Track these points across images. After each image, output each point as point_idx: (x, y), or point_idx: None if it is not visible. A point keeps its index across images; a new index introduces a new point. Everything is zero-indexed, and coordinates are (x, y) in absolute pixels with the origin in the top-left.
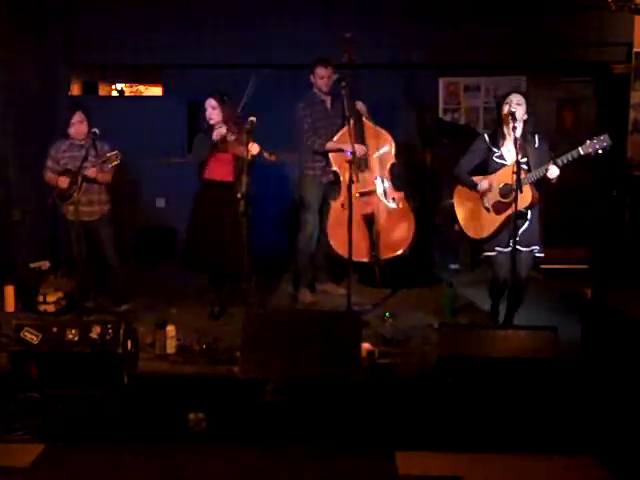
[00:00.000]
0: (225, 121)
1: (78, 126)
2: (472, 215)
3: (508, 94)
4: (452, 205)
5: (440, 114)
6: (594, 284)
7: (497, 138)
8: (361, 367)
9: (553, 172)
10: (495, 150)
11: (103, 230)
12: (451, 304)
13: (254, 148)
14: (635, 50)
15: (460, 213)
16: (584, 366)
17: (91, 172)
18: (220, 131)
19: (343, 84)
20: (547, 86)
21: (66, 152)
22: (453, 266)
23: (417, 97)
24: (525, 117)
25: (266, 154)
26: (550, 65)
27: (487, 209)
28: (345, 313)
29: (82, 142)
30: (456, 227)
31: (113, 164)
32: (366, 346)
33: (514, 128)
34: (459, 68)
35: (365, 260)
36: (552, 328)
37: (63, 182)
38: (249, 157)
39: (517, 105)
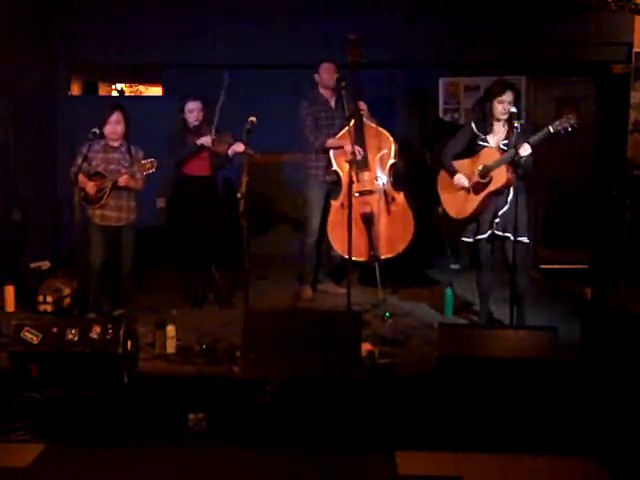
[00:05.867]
0: (208, 122)
1: (114, 126)
2: (454, 197)
3: (500, 92)
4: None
5: (440, 114)
6: (594, 284)
7: (484, 126)
8: (361, 367)
9: (524, 150)
10: (480, 135)
11: (126, 238)
12: (451, 304)
13: (238, 146)
14: (635, 50)
15: (443, 195)
16: (584, 366)
17: (123, 180)
18: (206, 141)
19: (343, 84)
20: (547, 86)
21: (99, 153)
22: (453, 266)
23: (417, 97)
24: (511, 108)
25: (251, 152)
26: (550, 65)
27: (467, 190)
28: (345, 313)
29: (117, 144)
30: (439, 210)
31: (147, 172)
32: (366, 346)
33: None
34: (459, 68)
35: (364, 259)
36: (552, 328)
37: (91, 188)
38: (231, 154)
39: (508, 104)
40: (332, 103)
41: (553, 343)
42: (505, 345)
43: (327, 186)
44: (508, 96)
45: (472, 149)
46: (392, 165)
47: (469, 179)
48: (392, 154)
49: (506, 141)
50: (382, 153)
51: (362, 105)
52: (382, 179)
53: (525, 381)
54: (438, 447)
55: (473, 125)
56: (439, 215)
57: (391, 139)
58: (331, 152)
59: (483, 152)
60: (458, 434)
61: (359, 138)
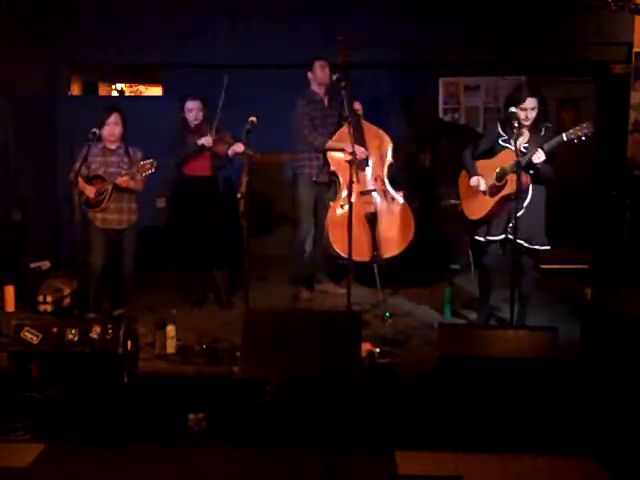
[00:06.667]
0: (207, 122)
1: (112, 127)
2: (471, 197)
3: (521, 99)
4: (452, 205)
5: (440, 114)
6: (594, 284)
7: (509, 128)
8: (361, 367)
9: (538, 156)
10: (503, 135)
11: (127, 240)
12: (451, 304)
13: (238, 147)
14: (635, 50)
15: (462, 194)
16: (584, 366)
17: (123, 181)
18: (206, 141)
19: (343, 84)
20: (547, 86)
21: (98, 156)
22: (453, 266)
23: (417, 97)
24: (535, 115)
25: (250, 152)
26: (550, 65)
27: (483, 192)
28: (345, 313)
29: (115, 146)
30: (452, 202)
31: (147, 173)
32: (366, 346)
33: (519, 127)
34: (459, 68)
35: (366, 260)
36: (552, 328)
37: (90, 192)
38: (231, 155)
39: (531, 110)
40: (326, 102)
41: (553, 343)
42: (505, 345)
43: (318, 186)
44: (530, 103)
45: (494, 150)
46: (390, 165)
47: (486, 181)
48: (390, 154)
49: (527, 144)
50: (381, 153)
51: (357, 105)
52: (381, 179)
53: (525, 381)
54: (438, 447)
55: (499, 125)
56: (456, 209)
57: (388, 139)
58: (329, 153)
59: (502, 154)
60: (458, 434)
61: (359, 138)
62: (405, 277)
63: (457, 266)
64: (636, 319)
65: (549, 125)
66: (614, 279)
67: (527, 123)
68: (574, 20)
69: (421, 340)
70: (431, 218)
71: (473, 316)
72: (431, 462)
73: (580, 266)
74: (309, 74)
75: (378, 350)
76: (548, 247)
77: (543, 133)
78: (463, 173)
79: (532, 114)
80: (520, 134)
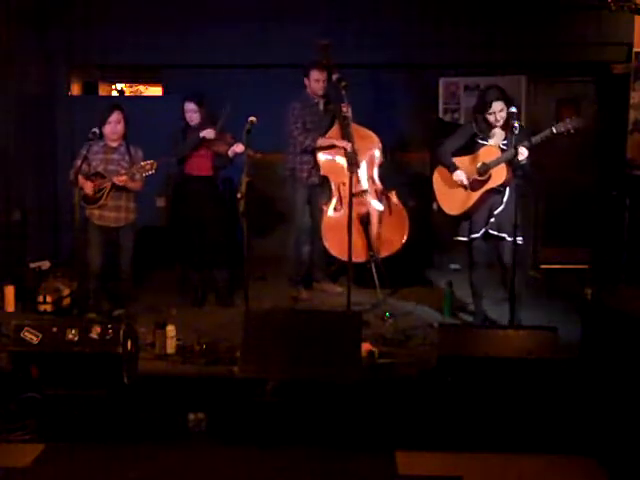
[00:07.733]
0: (206, 121)
1: (114, 125)
2: (450, 192)
3: (487, 106)
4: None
5: (440, 114)
6: (594, 284)
7: (483, 126)
8: (361, 367)
9: (522, 152)
10: (479, 134)
11: (125, 238)
12: (450, 304)
13: (238, 147)
14: (635, 50)
15: (438, 190)
16: (584, 366)
17: (121, 180)
18: (208, 133)
19: (343, 84)
20: (547, 86)
21: (98, 154)
22: (453, 266)
23: (417, 97)
24: (505, 115)
25: (250, 152)
26: (550, 65)
27: (464, 187)
28: (345, 313)
29: (116, 144)
30: (435, 206)
31: (147, 174)
32: (366, 346)
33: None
34: (459, 68)
35: (362, 260)
36: (552, 328)
37: (89, 187)
38: (231, 155)
39: (499, 112)
40: (321, 106)
41: (553, 343)
42: (505, 345)
43: (309, 188)
44: (497, 106)
45: (471, 147)
46: (380, 164)
47: (468, 176)
48: (380, 154)
49: (506, 141)
50: (371, 153)
51: (345, 107)
52: (372, 179)
53: (525, 381)
54: (438, 447)
55: (474, 125)
56: (435, 210)
57: (377, 139)
58: (319, 155)
59: (483, 150)
60: (458, 434)
61: (347, 138)
62: (405, 277)
63: (457, 266)
64: (636, 319)
65: (518, 125)
66: (614, 279)
67: (499, 124)
68: (574, 20)
69: (421, 340)
70: (430, 218)
71: (470, 317)
72: (431, 462)
73: (580, 266)
74: (305, 80)
75: (378, 350)
76: (521, 241)
77: (517, 132)
78: (437, 171)
79: (502, 114)
80: (494, 133)
